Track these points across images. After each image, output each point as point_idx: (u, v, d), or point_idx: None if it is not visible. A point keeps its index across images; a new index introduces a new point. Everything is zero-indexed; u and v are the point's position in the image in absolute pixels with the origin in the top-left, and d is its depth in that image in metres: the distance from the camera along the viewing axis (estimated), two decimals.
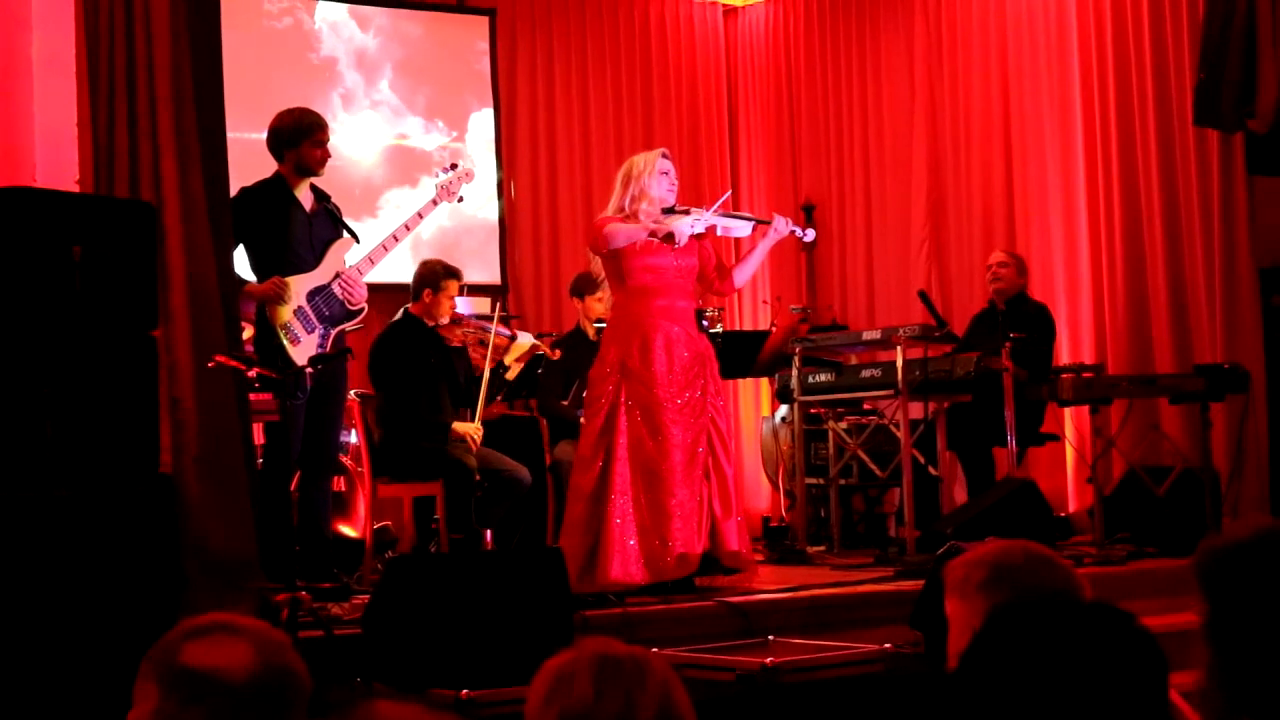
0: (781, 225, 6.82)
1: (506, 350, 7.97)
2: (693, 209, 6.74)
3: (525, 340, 8.05)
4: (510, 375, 8.06)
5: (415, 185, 10.01)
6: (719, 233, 6.88)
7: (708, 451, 6.55)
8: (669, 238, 6.56)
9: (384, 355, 7.48)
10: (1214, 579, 2.32)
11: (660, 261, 6.59)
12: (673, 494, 6.39)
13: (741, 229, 6.92)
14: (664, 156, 6.73)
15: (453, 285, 7.58)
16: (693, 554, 6.40)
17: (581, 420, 6.81)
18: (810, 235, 7.16)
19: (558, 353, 8.12)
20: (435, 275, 7.55)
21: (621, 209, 6.63)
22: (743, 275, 6.93)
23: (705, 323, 6.76)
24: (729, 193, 7.38)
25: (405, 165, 10.18)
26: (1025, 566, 2.45)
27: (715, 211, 6.77)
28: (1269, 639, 2.23)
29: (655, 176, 6.62)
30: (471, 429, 7.48)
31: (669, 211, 6.64)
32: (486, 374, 7.66)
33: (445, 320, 7.61)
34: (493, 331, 7.78)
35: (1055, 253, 9.47)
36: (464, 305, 8.32)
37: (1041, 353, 8.08)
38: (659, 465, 6.41)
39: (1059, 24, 9.51)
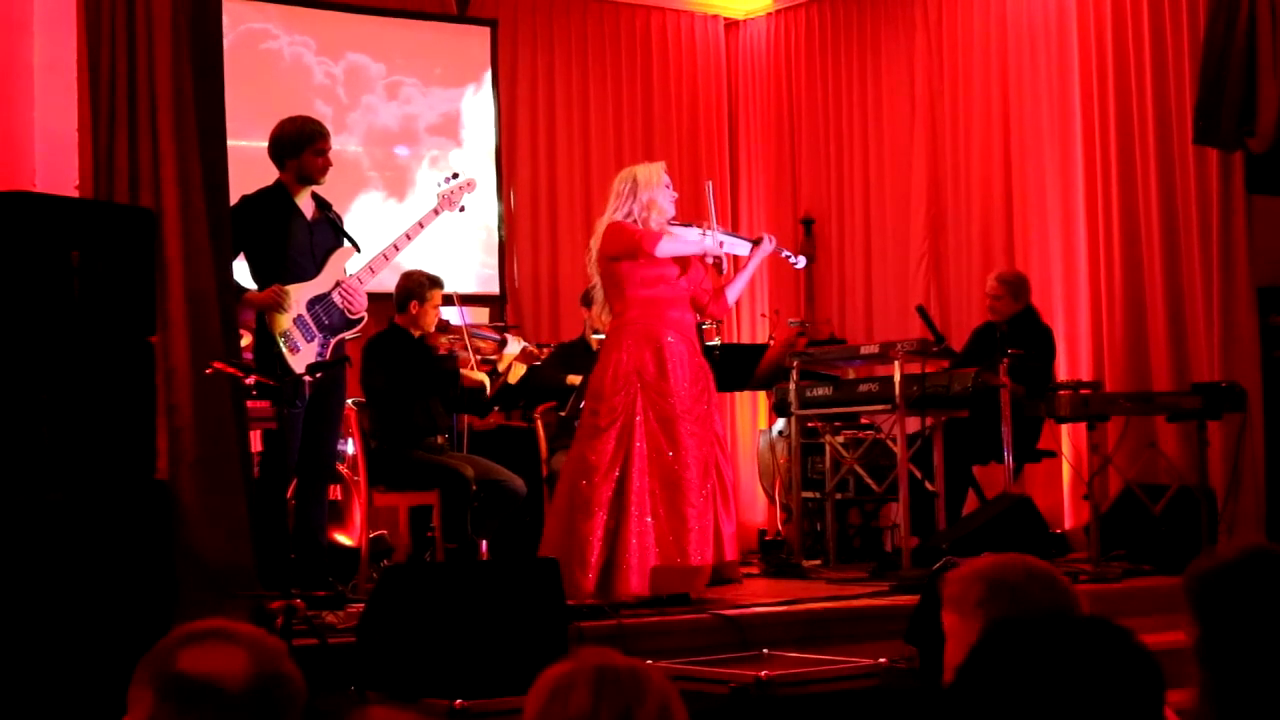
0: (768, 245, 6.86)
1: (498, 356, 7.99)
2: (693, 223, 6.78)
3: (514, 347, 8.07)
4: (513, 379, 8.07)
5: (416, 195, 10.01)
6: (724, 251, 6.89)
7: (714, 464, 6.57)
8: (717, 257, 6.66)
9: (373, 367, 7.49)
10: (1204, 600, 2.32)
11: (672, 272, 6.61)
12: (691, 504, 6.39)
13: (741, 248, 6.94)
14: (665, 170, 6.78)
15: (438, 295, 7.61)
16: (706, 565, 6.42)
17: (581, 427, 6.74)
18: (801, 262, 7.15)
19: (545, 352, 8.21)
20: (421, 286, 7.57)
21: (631, 216, 6.64)
22: (733, 295, 6.94)
23: (703, 336, 6.77)
24: (709, 183, 7.34)
25: (405, 174, 10.18)
26: (1024, 583, 2.44)
27: (718, 230, 6.79)
28: (1260, 659, 2.23)
29: (662, 189, 6.64)
30: (479, 376, 7.58)
31: (671, 224, 6.68)
32: (486, 385, 7.70)
33: (431, 330, 7.63)
34: (466, 335, 7.82)
35: (1054, 269, 9.47)
36: (462, 315, 8.32)
37: (1040, 370, 8.08)
38: (679, 476, 6.39)
39: (1059, 39, 9.52)
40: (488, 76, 10.49)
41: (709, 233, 6.68)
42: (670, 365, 6.49)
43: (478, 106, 10.47)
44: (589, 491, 6.42)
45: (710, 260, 6.74)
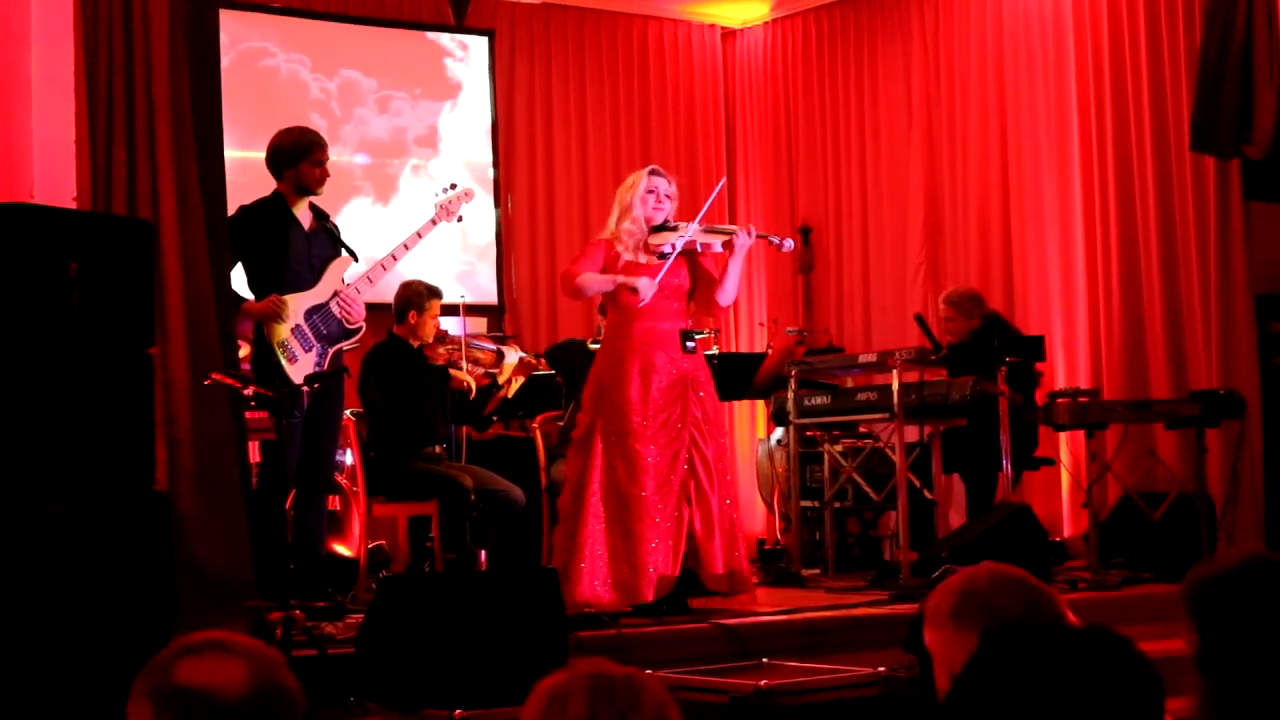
0: (744, 238, 6.71)
1: (498, 367, 7.98)
2: (680, 224, 6.67)
3: (512, 357, 8.06)
4: (509, 392, 8.07)
5: (414, 204, 10.01)
6: (698, 249, 6.72)
7: (689, 473, 6.51)
8: (634, 291, 6.52)
9: (372, 378, 7.48)
10: (1203, 608, 2.33)
11: (639, 282, 6.57)
12: (641, 519, 6.37)
13: (715, 245, 6.77)
14: (653, 173, 6.69)
15: (436, 305, 7.59)
16: (668, 577, 6.38)
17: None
18: (789, 245, 7.00)
19: (542, 363, 8.22)
20: (419, 296, 7.56)
21: (613, 228, 6.66)
22: (725, 295, 6.79)
23: (691, 344, 6.67)
24: (723, 180, 7.24)
25: (401, 184, 10.19)
26: (990, 588, 2.45)
27: (698, 227, 6.69)
28: (1259, 667, 2.24)
29: (641, 195, 6.61)
30: (465, 376, 7.56)
31: (658, 229, 6.62)
32: (472, 387, 7.71)
33: (430, 340, 7.62)
34: (463, 346, 7.81)
35: (1052, 277, 9.47)
36: (460, 325, 8.32)
37: (1029, 376, 8.08)
38: (628, 491, 6.40)
39: (1056, 48, 9.52)
40: (485, 86, 10.49)
41: (682, 235, 6.59)
42: (628, 379, 6.46)
43: (474, 116, 10.47)
44: (559, 502, 6.62)
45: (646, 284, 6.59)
